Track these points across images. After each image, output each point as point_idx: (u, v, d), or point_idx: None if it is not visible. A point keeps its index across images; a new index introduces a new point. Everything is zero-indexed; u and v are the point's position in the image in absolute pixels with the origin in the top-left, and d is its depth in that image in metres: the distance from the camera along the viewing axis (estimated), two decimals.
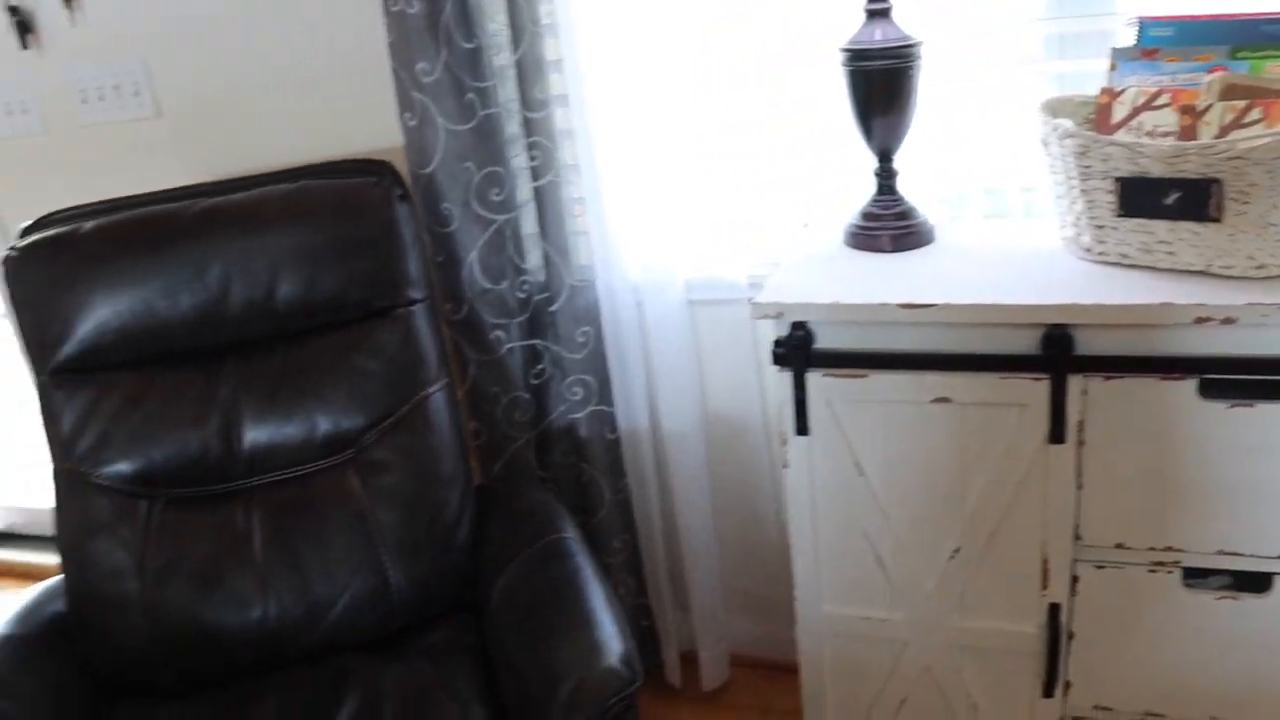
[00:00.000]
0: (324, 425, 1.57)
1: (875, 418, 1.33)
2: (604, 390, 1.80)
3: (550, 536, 1.45)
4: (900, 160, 1.45)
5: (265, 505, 1.55)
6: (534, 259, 1.78)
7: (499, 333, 1.78)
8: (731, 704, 1.99)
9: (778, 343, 1.33)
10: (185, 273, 1.54)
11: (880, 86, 1.37)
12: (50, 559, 2.81)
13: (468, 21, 1.59)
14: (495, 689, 1.40)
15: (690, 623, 1.97)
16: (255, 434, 1.57)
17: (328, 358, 1.58)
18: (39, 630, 1.51)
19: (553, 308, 1.76)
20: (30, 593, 1.59)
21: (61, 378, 1.55)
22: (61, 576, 1.61)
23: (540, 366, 1.84)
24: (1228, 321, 1.16)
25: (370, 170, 1.63)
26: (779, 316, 1.31)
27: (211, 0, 1.84)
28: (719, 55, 1.62)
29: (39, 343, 1.55)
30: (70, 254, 1.53)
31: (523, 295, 1.78)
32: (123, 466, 1.54)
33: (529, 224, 1.75)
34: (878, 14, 1.34)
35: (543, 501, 1.59)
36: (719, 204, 1.69)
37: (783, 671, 2.03)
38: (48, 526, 2.92)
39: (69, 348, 1.55)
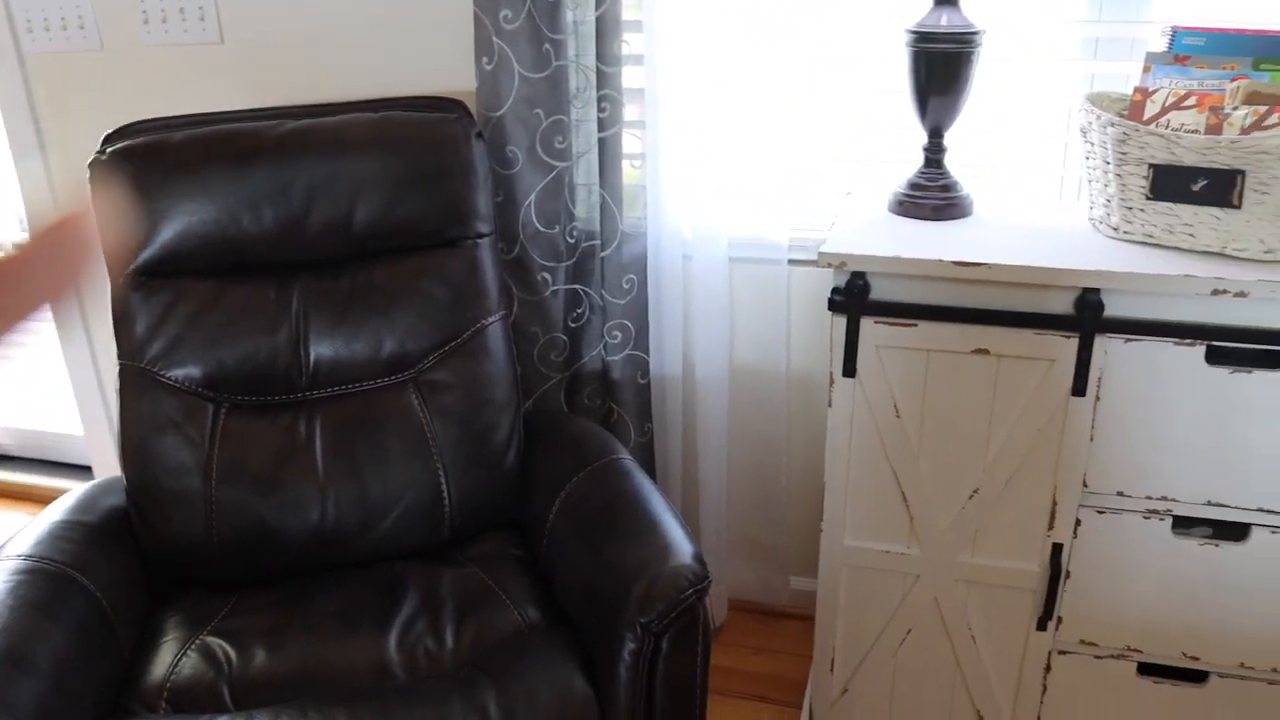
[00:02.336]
0: (389, 344, 1.66)
1: (918, 365, 1.47)
2: (641, 336, 1.92)
3: (608, 457, 1.56)
4: (950, 137, 1.59)
5: (328, 416, 1.63)
6: (584, 208, 1.89)
7: (545, 274, 1.88)
8: (727, 643, 2.13)
9: (836, 290, 1.46)
10: (270, 188, 1.61)
11: (941, 68, 1.51)
12: (44, 480, 2.84)
13: None
14: (548, 596, 1.51)
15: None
16: (322, 348, 1.65)
17: (397, 281, 1.67)
18: (103, 520, 1.57)
19: (603, 253, 1.87)
20: (81, 490, 1.65)
21: (140, 280, 1.62)
22: (105, 477, 1.68)
23: (579, 310, 1.95)
24: (1240, 295, 1.32)
25: (448, 107, 1.73)
26: (842, 266, 1.44)
27: None
28: (782, 32, 1.74)
29: (120, 247, 1.61)
30: (160, 161, 1.60)
31: (571, 241, 1.89)
32: (193, 370, 1.61)
33: (584, 174, 1.86)
34: (946, 1, 1.48)
35: (590, 428, 1.71)
36: (766, 170, 1.82)
37: (775, 616, 2.17)
38: (41, 449, 2.94)
39: (150, 251, 1.61)
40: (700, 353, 1.92)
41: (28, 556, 1.37)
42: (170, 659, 1.39)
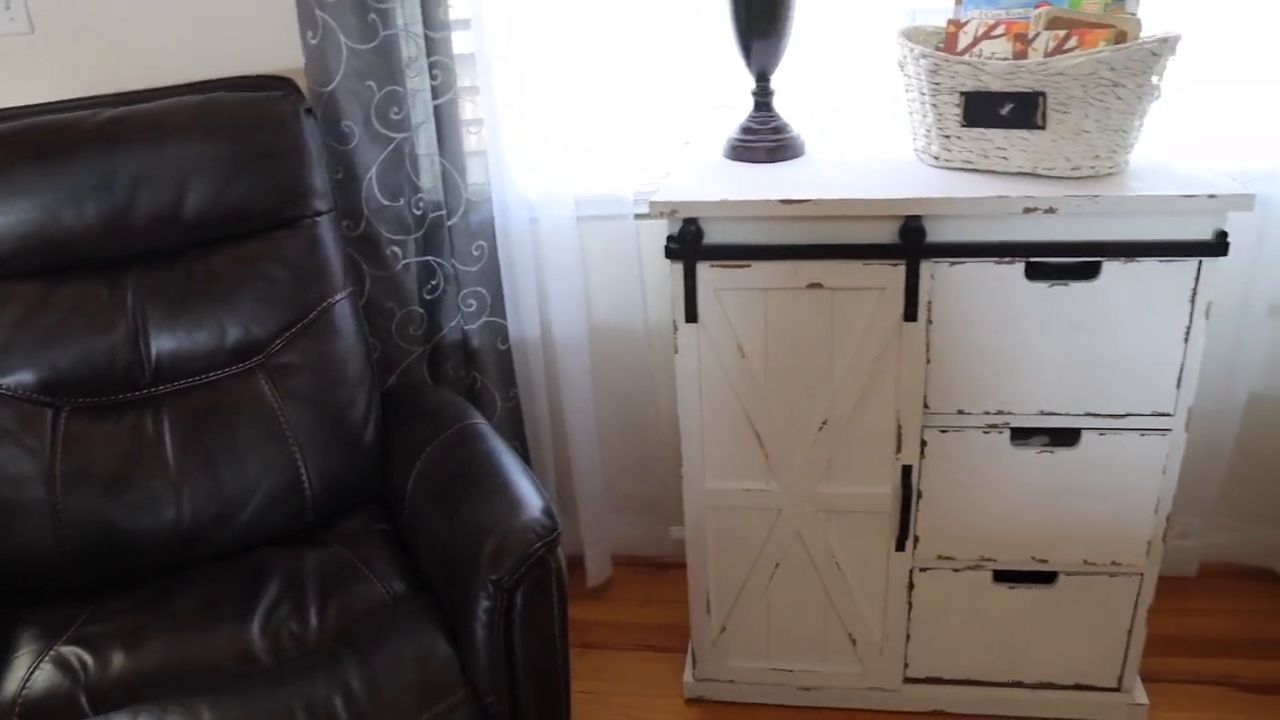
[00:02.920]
0: (233, 332, 1.63)
1: (756, 304, 1.51)
2: (496, 302, 1.92)
3: (461, 423, 1.56)
4: (776, 80, 1.62)
5: (175, 411, 1.59)
6: (429, 178, 1.87)
7: (395, 248, 1.86)
8: (614, 598, 2.16)
9: (671, 238, 1.49)
10: (90, 181, 1.56)
11: (760, 12, 1.54)
12: None
13: None
14: (412, 567, 1.51)
15: (576, 526, 2.12)
16: (163, 342, 1.61)
17: (236, 266, 1.63)
18: None
19: (450, 222, 1.86)
20: None
21: None
22: None
23: (434, 282, 1.94)
24: (1050, 211, 1.39)
25: (274, 85, 1.69)
26: (673, 214, 1.46)
27: None
28: None
29: None
30: None
31: (418, 212, 1.87)
32: (25, 376, 1.55)
33: (424, 144, 1.84)
34: None
35: (447, 397, 1.70)
36: (606, 126, 1.83)
37: (659, 568, 2.21)
38: None
39: None
40: (557, 314, 1.93)
41: None
42: (23, 673, 1.34)
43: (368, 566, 1.49)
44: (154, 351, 1.60)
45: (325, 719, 1.19)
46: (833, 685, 1.81)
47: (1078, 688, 1.76)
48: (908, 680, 1.79)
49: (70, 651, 1.37)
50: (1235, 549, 2.08)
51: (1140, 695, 1.76)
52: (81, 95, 1.96)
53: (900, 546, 1.66)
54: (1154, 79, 1.39)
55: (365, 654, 1.27)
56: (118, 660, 1.35)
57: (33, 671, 1.34)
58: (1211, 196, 1.36)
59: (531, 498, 1.30)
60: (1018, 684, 1.77)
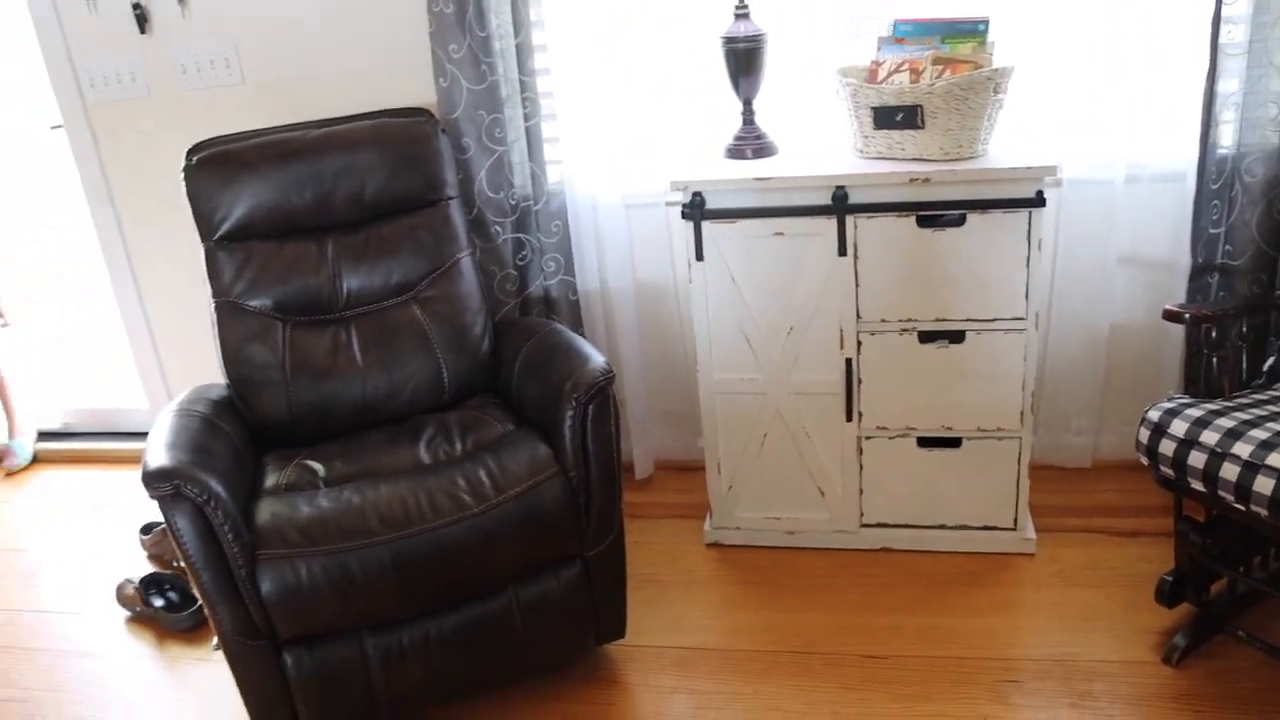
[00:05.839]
0: (395, 276, 2.44)
1: (741, 248, 2.29)
2: (568, 265, 2.72)
3: (547, 328, 2.36)
4: (757, 104, 2.41)
5: (359, 327, 2.41)
6: (521, 178, 2.68)
7: (497, 227, 2.68)
8: (655, 487, 2.92)
9: (685, 205, 2.28)
10: (307, 175, 2.39)
11: (744, 60, 2.33)
12: (103, 445, 3.54)
13: (482, 16, 2.49)
14: (517, 418, 2.28)
15: (627, 435, 2.89)
16: (350, 282, 2.43)
17: (397, 232, 2.45)
18: (206, 409, 2.29)
19: (535, 209, 2.67)
20: (184, 393, 2.36)
21: (223, 244, 2.39)
22: (199, 387, 2.36)
23: (524, 252, 2.74)
24: (926, 181, 2.15)
25: (418, 114, 2.53)
26: (685, 188, 2.26)
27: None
28: (643, 45, 2.56)
29: (208, 222, 2.38)
30: (232, 163, 2.37)
31: (513, 202, 2.69)
32: (265, 300, 2.37)
33: (518, 155, 2.66)
34: (742, 15, 2.31)
35: (536, 320, 2.51)
36: (645, 141, 2.63)
37: (689, 470, 2.95)
38: (96, 424, 3.64)
39: (228, 225, 2.38)
40: (611, 273, 2.73)
41: (183, 411, 2.12)
42: (279, 473, 2.14)
43: (489, 417, 2.27)
44: (345, 288, 2.42)
45: (475, 482, 1.98)
46: (809, 529, 2.55)
47: (985, 528, 2.47)
48: (864, 525, 2.52)
49: (306, 462, 2.17)
50: (1119, 447, 2.77)
51: (1030, 532, 2.47)
52: (280, 125, 2.81)
53: (849, 418, 2.41)
54: (997, 95, 2.16)
55: (496, 453, 2.05)
56: (337, 466, 2.14)
57: (285, 472, 2.14)
58: (1030, 168, 2.12)
59: (596, 356, 2.08)
60: (942, 526, 2.49)
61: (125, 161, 2.99)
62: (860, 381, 2.37)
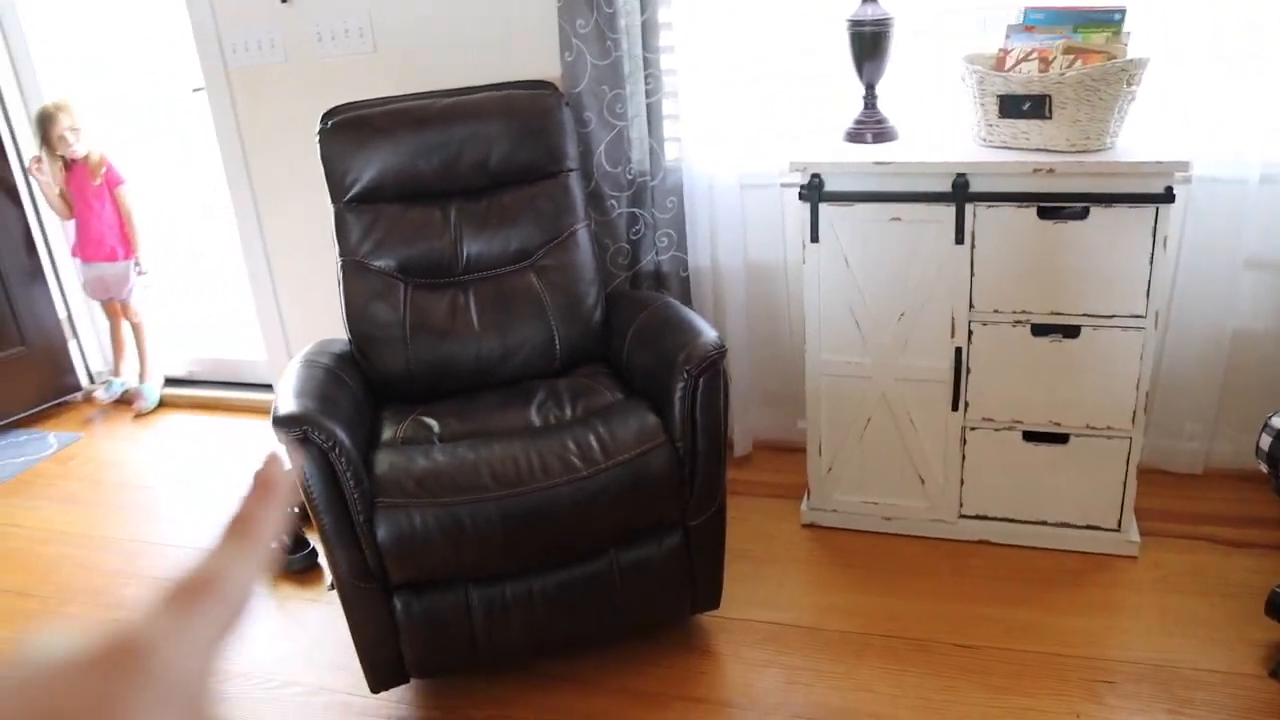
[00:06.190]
0: (514, 243, 2.51)
1: (857, 231, 2.30)
2: (681, 242, 2.76)
3: (660, 301, 2.40)
4: (880, 88, 2.41)
5: (478, 291, 2.49)
6: (639, 153, 2.73)
7: (613, 201, 2.73)
8: (754, 466, 2.95)
9: (803, 186, 2.29)
10: (435, 142, 2.48)
11: (869, 43, 2.33)
12: (223, 394, 3.72)
13: None
14: (627, 387, 2.33)
15: (729, 414, 2.92)
16: (471, 247, 2.51)
17: (518, 201, 2.52)
18: (331, 362, 2.41)
19: (651, 184, 2.72)
20: (308, 347, 2.47)
21: (352, 205, 2.49)
22: (322, 340, 2.48)
23: (638, 226, 2.79)
24: (1050, 172, 2.13)
25: (543, 87, 2.59)
26: (804, 170, 2.27)
27: None
28: (768, 27, 2.58)
29: (339, 184, 2.48)
30: (365, 128, 2.47)
31: (630, 177, 2.73)
32: (390, 261, 2.47)
33: (637, 130, 2.70)
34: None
35: (649, 293, 2.55)
36: (764, 121, 2.65)
37: (790, 451, 2.97)
38: (218, 373, 3.83)
39: (358, 187, 2.48)
40: (723, 252, 2.76)
41: (309, 362, 2.23)
42: (396, 426, 2.24)
43: (599, 385, 2.33)
44: (465, 253, 2.50)
45: (585, 446, 2.04)
46: (907, 516, 2.55)
47: (1088, 527, 2.44)
48: (962, 516, 2.52)
49: (422, 419, 2.26)
50: (1233, 455, 2.71)
51: (1134, 535, 2.43)
52: (409, 93, 2.91)
53: (955, 408, 2.40)
54: (1129, 87, 2.12)
55: (605, 419, 2.11)
56: (452, 424, 2.23)
57: (402, 426, 2.23)
58: (1160, 163, 2.08)
59: (709, 331, 2.12)
60: (1043, 522, 2.47)
61: (261, 124, 3.13)
62: (969, 371, 2.36)
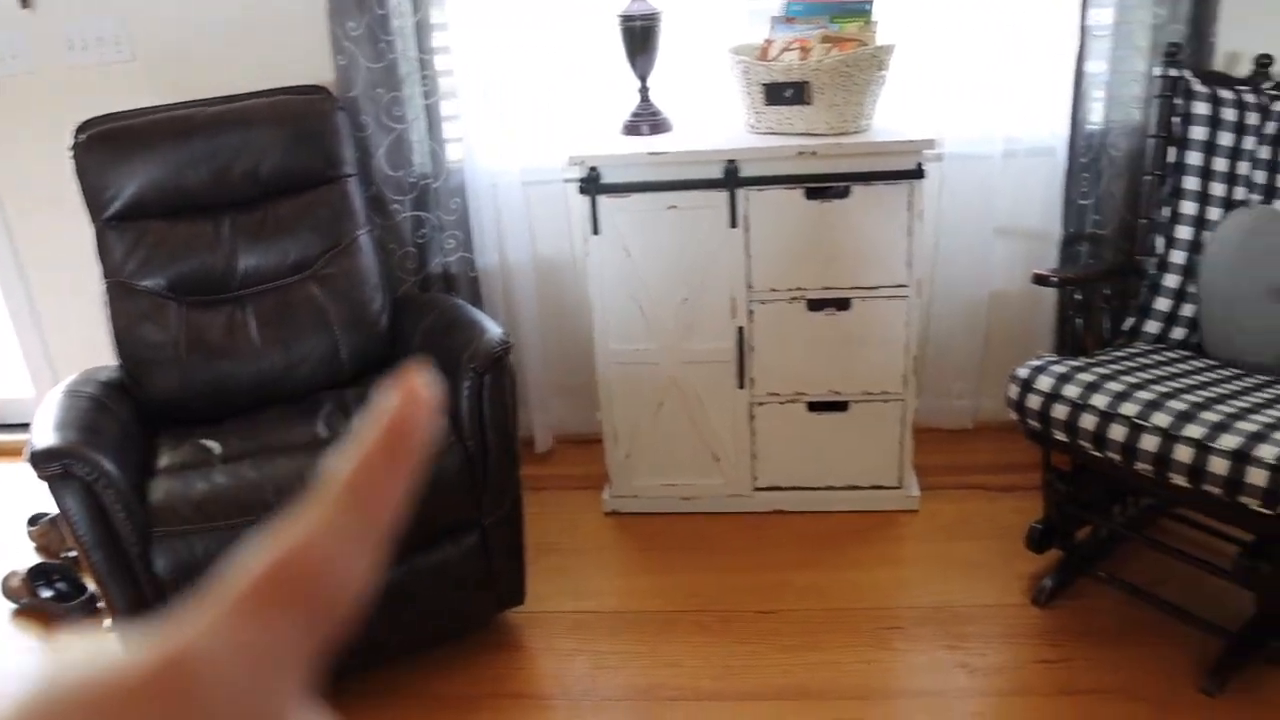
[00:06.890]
0: (293, 253, 2.44)
1: (636, 221, 2.35)
2: (468, 241, 2.75)
3: (448, 303, 2.39)
4: (654, 82, 2.47)
5: (256, 305, 2.40)
6: (420, 156, 2.70)
7: (396, 205, 2.69)
8: (555, 461, 2.97)
9: (582, 180, 2.33)
10: (203, 153, 2.38)
11: (641, 38, 2.39)
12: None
13: None
14: None
15: (527, 410, 2.93)
16: (247, 260, 2.42)
17: (295, 210, 2.45)
18: (96, 390, 2.26)
19: (434, 186, 2.69)
20: (71, 377, 2.32)
21: (113, 223, 2.36)
22: (88, 370, 2.33)
23: (423, 230, 2.76)
24: (813, 154, 2.24)
25: (316, 92, 2.52)
26: (582, 163, 2.31)
27: None
28: (544, 19, 2.60)
29: (98, 201, 2.35)
30: (125, 140, 2.34)
31: (412, 180, 2.70)
32: (158, 280, 2.35)
33: (417, 133, 2.67)
34: None
35: (437, 296, 2.53)
36: (542, 119, 2.67)
37: (587, 442, 3.00)
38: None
39: (119, 204, 2.35)
40: (511, 250, 2.77)
41: (71, 393, 2.10)
42: (173, 452, 2.14)
43: None
44: (241, 266, 2.41)
45: None
46: (704, 494, 2.63)
47: (873, 488, 2.59)
48: (756, 489, 2.62)
49: (200, 443, 2.17)
50: (998, 410, 2.91)
51: (914, 490, 2.59)
52: (174, 102, 2.78)
53: (741, 385, 2.49)
54: (880, 72, 2.26)
55: None
56: (233, 444, 2.15)
57: (180, 448, 2.13)
58: (910, 141, 2.23)
59: (494, 328, 2.13)
60: (831, 487, 2.60)
61: (6, 140, 2.92)
62: (752, 349, 2.46)
